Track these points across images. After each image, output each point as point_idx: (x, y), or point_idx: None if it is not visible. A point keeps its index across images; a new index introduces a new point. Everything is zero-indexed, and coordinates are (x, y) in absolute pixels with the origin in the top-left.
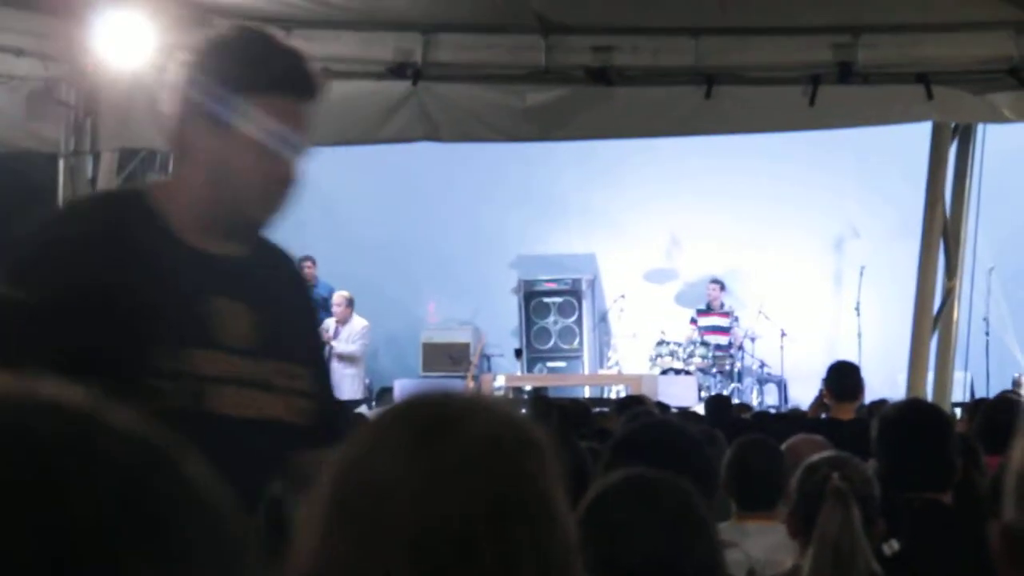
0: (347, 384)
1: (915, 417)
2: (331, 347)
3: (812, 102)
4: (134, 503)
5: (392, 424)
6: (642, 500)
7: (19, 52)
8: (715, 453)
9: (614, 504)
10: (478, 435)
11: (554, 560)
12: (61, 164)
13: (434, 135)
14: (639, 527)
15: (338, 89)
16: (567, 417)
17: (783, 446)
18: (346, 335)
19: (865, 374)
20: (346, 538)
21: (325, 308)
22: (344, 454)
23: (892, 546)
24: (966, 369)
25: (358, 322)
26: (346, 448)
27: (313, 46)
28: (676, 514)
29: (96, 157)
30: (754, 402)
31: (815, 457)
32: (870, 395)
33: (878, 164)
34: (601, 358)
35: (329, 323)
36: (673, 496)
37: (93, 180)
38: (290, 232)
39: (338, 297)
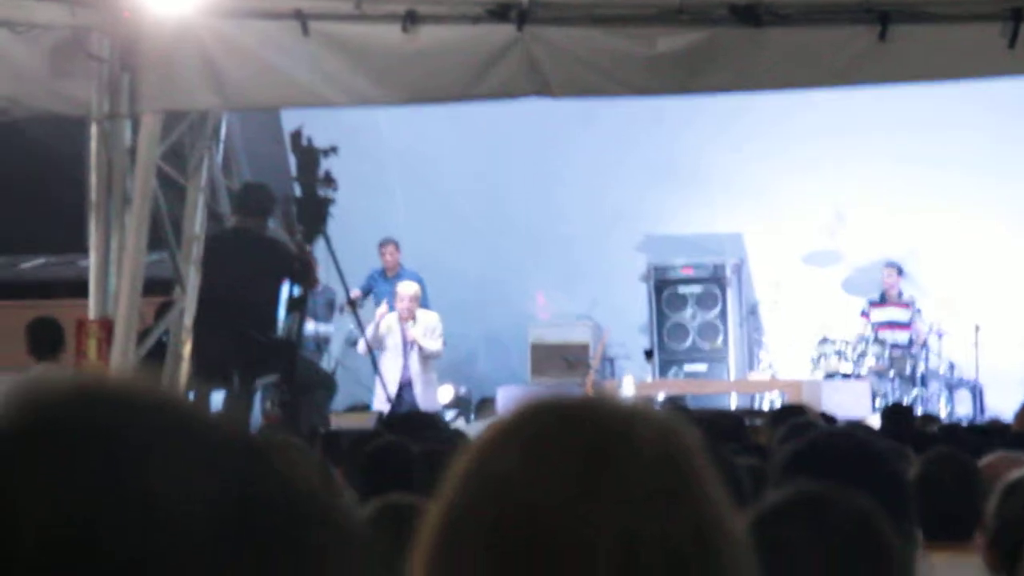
0: (431, 393)
1: None
2: (411, 344)
3: (1012, 43)
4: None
5: (546, 436)
6: (813, 519)
7: None
8: (903, 471)
9: (779, 524)
10: (648, 453)
11: None
12: (93, 129)
13: (544, 89)
14: (808, 550)
15: (427, 36)
16: (714, 432)
17: (979, 464)
18: (422, 331)
19: None
20: (473, 559)
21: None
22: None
23: None
24: None
25: (431, 316)
26: (482, 460)
27: None
28: (854, 537)
29: (135, 121)
30: (942, 412)
31: (1017, 475)
32: None
33: None
34: (751, 360)
35: (390, 319)
36: (851, 516)
37: (132, 149)
38: (371, 208)
39: (412, 291)
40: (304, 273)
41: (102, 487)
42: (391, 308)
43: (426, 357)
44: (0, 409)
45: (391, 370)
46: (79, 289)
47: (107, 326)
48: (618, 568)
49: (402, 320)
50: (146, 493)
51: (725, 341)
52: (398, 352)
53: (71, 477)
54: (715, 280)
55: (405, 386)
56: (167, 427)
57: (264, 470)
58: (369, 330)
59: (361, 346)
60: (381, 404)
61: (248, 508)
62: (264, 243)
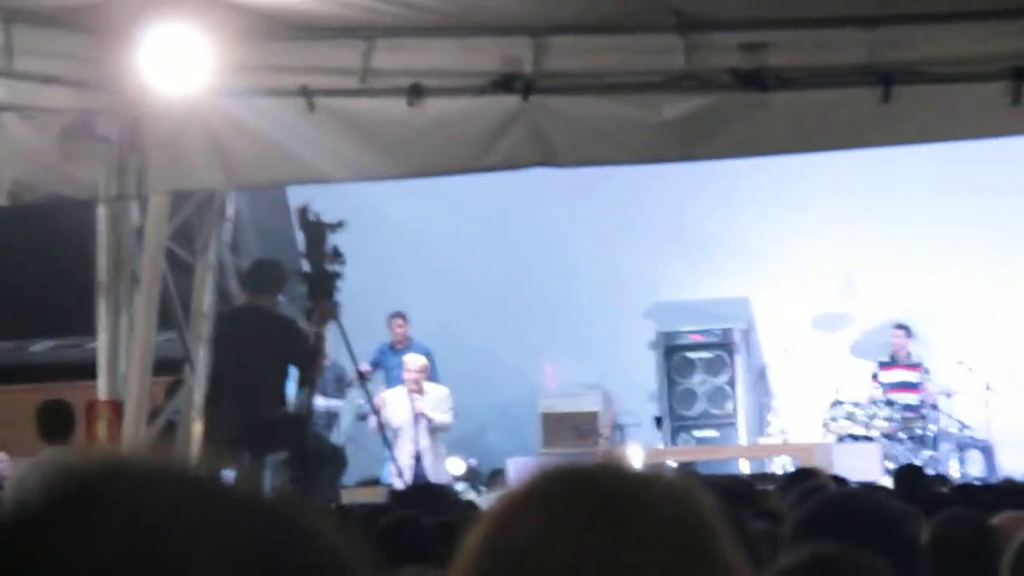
0: (440, 465)
1: None
2: (419, 417)
3: (1015, 102)
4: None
5: (561, 504)
6: None
7: (49, 79)
8: (917, 533)
9: None
10: (664, 516)
11: None
12: (101, 211)
13: (550, 159)
14: None
15: (432, 108)
16: (727, 498)
17: (992, 523)
18: (431, 404)
19: None
20: None
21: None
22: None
23: None
24: None
25: (438, 389)
26: (498, 531)
27: (401, 58)
28: None
29: (143, 202)
30: (954, 473)
31: None
32: None
33: None
34: (761, 424)
35: (398, 393)
36: None
37: (140, 229)
38: (378, 281)
39: (418, 364)
40: (311, 359)
41: (128, 559)
42: (398, 382)
43: (434, 430)
44: (26, 488)
45: (402, 444)
46: (88, 371)
47: (117, 407)
48: None
49: (410, 392)
50: (173, 563)
51: (735, 406)
52: (409, 426)
53: (96, 549)
54: (723, 345)
55: (416, 460)
56: (190, 497)
57: (288, 533)
58: (373, 420)
59: (372, 423)
60: (393, 479)
61: (275, 571)
62: (274, 321)
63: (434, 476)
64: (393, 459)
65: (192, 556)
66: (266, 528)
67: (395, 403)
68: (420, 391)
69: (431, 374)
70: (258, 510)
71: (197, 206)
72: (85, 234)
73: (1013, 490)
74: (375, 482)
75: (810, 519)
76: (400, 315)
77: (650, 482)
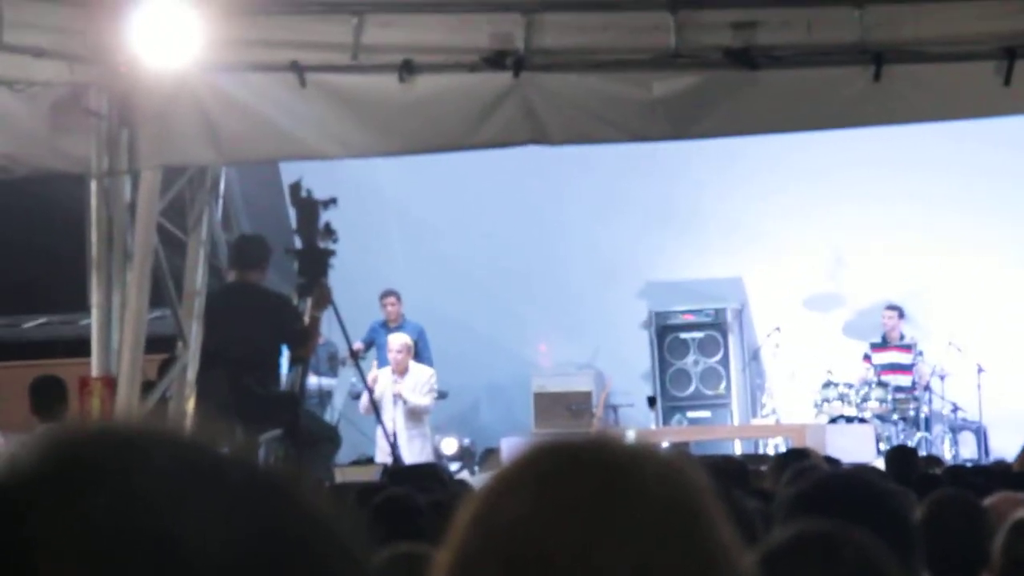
0: (417, 446)
1: None
2: (397, 398)
3: (1008, 80)
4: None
5: (554, 478)
6: (821, 557)
7: (39, 52)
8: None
9: (788, 562)
10: (657, 492)
11: None
12: (93, 187)
13: (541, 137)
14: None
15: (424, 86)
16: (720, 477)
17: (984, 504)
18: (411, 386)
19: None
20: None
21: (414, 353)
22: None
23: None
24: None
25: (423, 371)
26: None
27: (391, 34)
28: (861, 575)
29: (135, 177)
30: (946, 454)
31: (1022, 514)
32: None
33: None
34: (754, 405)
35: (382, 373)
36: (859, 554)
37: (132, 205)
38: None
39: (400, 343)
40: (303, 337)
41: (120, 524)
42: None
43: (411, 411)
44: (22, 456)
45: (386, 423)
46: (81, 347)
47: (110, 383)
48: None
49: (393, 372)
50: (165, 532)
51: (728, 387)
52: (389, 406)
53: (88, 514)
54: (716, 326)
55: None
56: (188, 465)
57: (283, 504)
58: (364, 398)
59: (363, 402)
60: (384, 456)
61: (270, 543)
62: (265, 297)
63: (409, 458)
64: (385, 436)
65: (185, 523)
66: (261, 498)
67: (381, 382)
68: (403, 371)
69: (423, 352)
70: (253, 480)
71: (189, 181)
72: (77, 210)
73: (1005, 471)
74: (369, 461)
75: (802, 498)
76: (392, 293)
77: (642, 457)
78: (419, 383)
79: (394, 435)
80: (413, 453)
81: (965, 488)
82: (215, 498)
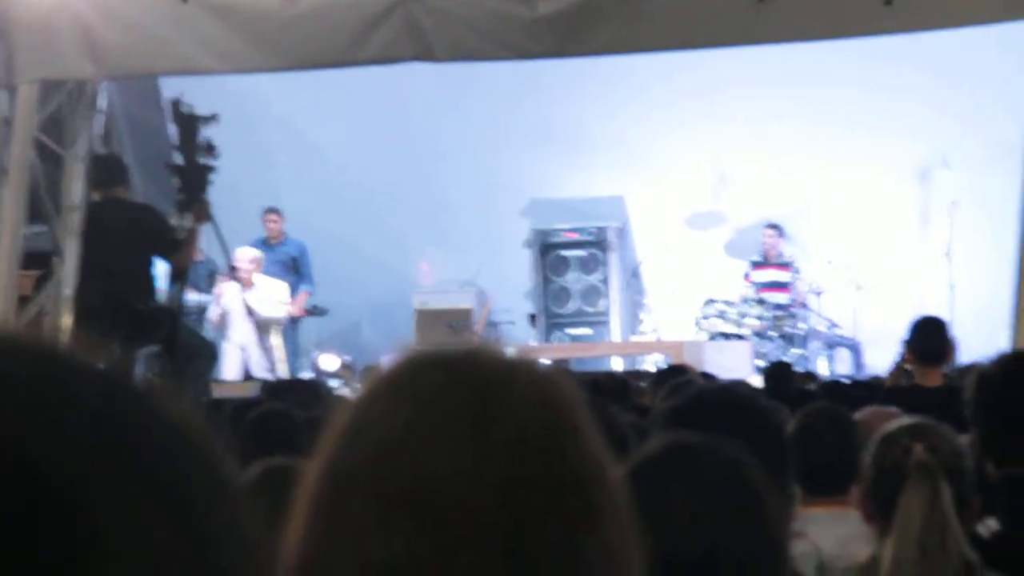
0: (267, 358)
1: (1021, 373)
2: (249, 311)
3: (889, 1)
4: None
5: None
6: (683, 471)
7: None
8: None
9: (653, 474)
10: (530, 400)
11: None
12: None
13: (425, 54)
14: (678, 503)
15: (306, 1)
16: (600, 394)
17: (855, 418)
18: (257, 298)
19: (958, 332)
20: (356, 516)
21: (295, 270)
22: (367, 425)
23: (989, 527)
24: None
25: (274, 285)
26: (365, 417)
27: None
28: (727, 486)
29: (12, 91)
30: (823, 371)
31: (893, 426)
32: (965, 358)
33: (970, 79)
34: (634, 322)
35: (228, 288)
36: (723, 466)
37: (9, 120)
38: (255, 175)
39: (248, 256)
40: (176, 246)
41: None
42: (272, 277)
43: (260, 323)
44: None
45: (231, 336)
46: None
47: None
48: (500, 516)
49: (244, 286)
50: (11, 438)
51: (608, 304)
52: (241, 319)
53: None
54: (598, 243)
55: (242, 350)
56: (41, 373)
57: (142, 412)
58: (213, 311)
59: (213, 315)
60: (236, 371)
61: (123, 449)
62: (135, 210)
63: (258, 372)
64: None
65: (32, 427)
66: (118, 406)
67: (230, 295)
68: (249, 284)
69: (304, 270)
70: (111, 388)
71: (68, 96)
72: None
73: (878, 387)
74: (247, 377)
75: (676, 412)
76: (274, 210)
77: (517, 371)
78: (269, 296)
79: (244, 347)
80: (264, 366)
81: (839, 403)
82: (67, 405)
